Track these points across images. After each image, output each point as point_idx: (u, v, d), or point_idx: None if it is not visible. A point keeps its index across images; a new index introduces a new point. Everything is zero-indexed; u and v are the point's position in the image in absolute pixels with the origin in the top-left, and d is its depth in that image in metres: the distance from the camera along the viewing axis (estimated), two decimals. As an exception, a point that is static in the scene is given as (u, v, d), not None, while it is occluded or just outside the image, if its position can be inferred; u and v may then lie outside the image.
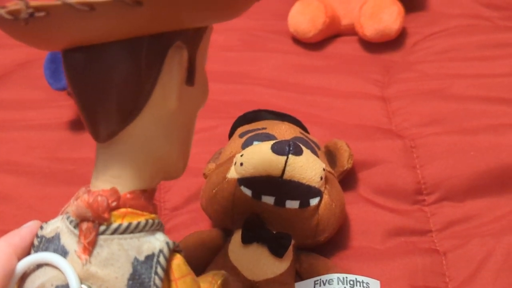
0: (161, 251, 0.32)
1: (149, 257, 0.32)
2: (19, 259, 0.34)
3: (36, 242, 0.35)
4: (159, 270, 0.32)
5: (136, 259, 0.32)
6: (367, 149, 0.68)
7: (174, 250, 0.34)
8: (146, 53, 0.32)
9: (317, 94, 0.78)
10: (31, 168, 0.69)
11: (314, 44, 0.87)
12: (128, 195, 0.33)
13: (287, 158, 0.53)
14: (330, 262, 0.57)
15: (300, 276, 0.57)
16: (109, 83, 0.32)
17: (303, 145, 0.57)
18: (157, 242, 0.33)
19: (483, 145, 0.67)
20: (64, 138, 0.73)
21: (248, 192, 0.55)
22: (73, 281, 0.31)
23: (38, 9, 0.29)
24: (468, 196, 0.64)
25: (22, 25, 0.29)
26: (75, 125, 0.74)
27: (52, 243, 0.34)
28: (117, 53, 0.32)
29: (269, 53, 0.86)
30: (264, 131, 0.60)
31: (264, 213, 0.55)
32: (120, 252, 0.32)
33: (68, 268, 0.32)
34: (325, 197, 0.56)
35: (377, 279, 0.56)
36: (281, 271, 0.54)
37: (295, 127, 0.62)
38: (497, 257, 0.58)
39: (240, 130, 0.63)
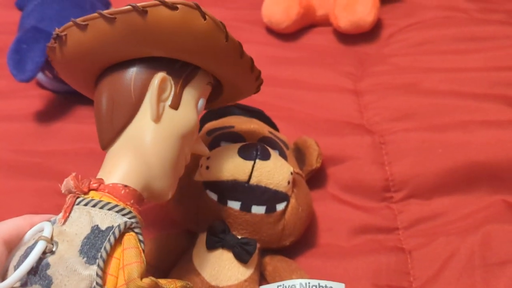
0: (118, 225, 0.40)
1: (108, 228, 0.39)
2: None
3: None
4: (111, 239, 0.39)
5: (97, 226, 0.39)
6: (336, 145, 0.68)
7: (130, 228, 0.41)
8: (136, 75, 0.44)
9: (289, 87, 0.78)
10: (-4, 160, 0.68)
11: (288, 35, 0.86)
12: (111, 185, 0.42)
13: (254, 163, 0.53)
14: (294, 264, 0.57)
15: (265, 278, 0.56)
16: (110, 98, 0.44)
17: (271, 146, 0.56)
18: (119, 219, 0.40)
19: (451, 142, 0.67)
20: (30, 130, 0.72)
21: (213, 196, 0.54)
22: (46, 231, 0.39)
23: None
24: (435, 194, 0.64)
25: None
26: (42, 117, 0.73)
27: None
28: (119, 74, 0.44)
29: (243, 44, 0.84)
30: (232, 130, 0.59)
31: (229, 218, 0.54)
32: (86, 217, 0.40)
33: (46, 225, 0.40)
34: (292, 201, 0.55)
35: (341, 279, 0.56)
36: (245, 277, 0.53)
37: (263, 125, 0.61)
38: (461, 256, 0.58)
39: (208, 126, 0.62)
